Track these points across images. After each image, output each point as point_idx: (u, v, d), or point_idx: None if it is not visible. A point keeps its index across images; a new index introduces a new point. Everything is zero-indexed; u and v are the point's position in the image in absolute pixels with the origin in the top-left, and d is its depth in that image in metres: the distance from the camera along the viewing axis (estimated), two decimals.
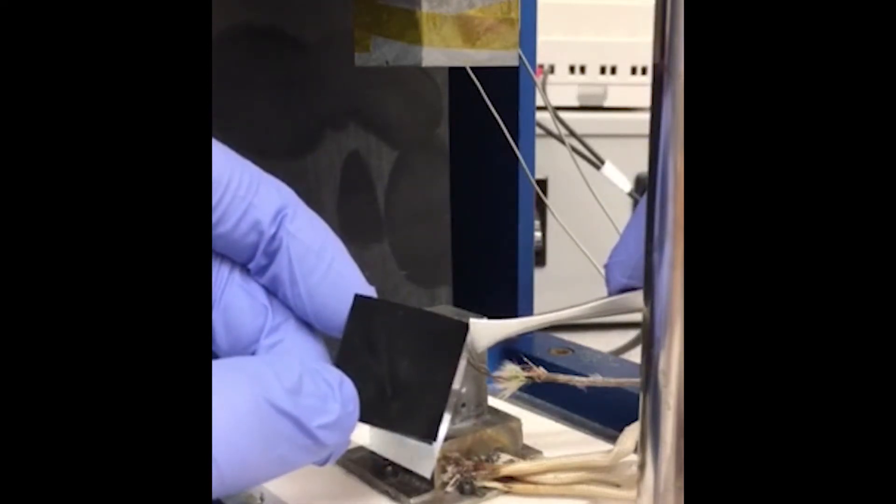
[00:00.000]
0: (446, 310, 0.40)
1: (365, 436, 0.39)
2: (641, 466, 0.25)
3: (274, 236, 0.29)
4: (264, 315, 0.30)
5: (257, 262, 0.30)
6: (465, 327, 0.31)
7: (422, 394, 0.31)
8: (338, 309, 0.30)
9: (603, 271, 0.49)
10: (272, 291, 0.31)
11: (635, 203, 0.69)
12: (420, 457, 0.34)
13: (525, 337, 0.52)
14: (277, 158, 0.48)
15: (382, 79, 0.51)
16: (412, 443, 0.32)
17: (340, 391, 0.28)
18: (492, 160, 0.51)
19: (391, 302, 0.32)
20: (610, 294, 0.35)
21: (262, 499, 0.36)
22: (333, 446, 0.28)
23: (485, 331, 0.32)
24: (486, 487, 0.35)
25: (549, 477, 0.35)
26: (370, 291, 0.31)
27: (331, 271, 0.30)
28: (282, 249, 0.30)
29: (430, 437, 0.31)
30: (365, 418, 0.30)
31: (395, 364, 0.31)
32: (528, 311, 0.53)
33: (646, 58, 0.41)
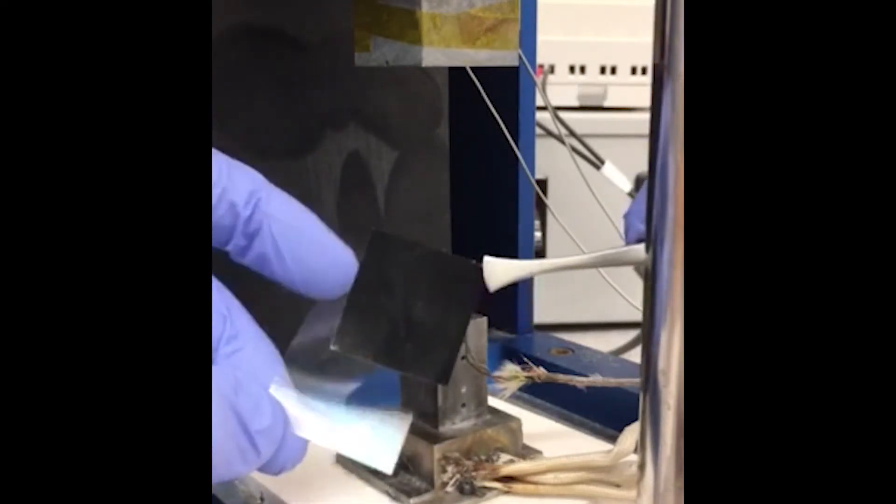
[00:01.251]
0: None
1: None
2: (641, 466, 0.25)
3: (250, 218, 0.31)
4: (222, 324, 0.30)
5: (236, 242, 0.31)
6: (481, 271, 0.31)
7: (435, 336, 0.31)
8: (326, 273, 0.32)
9: (603, 271, 0.49)
10: (258, 270, 0.32)
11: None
12: (380, 452, 0.34)
13: (525, 337, 0.52)
14: (277, 158, 0.48)
15: (382, 79, 0.51)
16: (373, 438, 0.32)
17: (270, 398, 0.28)
18: (492, 160, 0.51)
19: (408, 240, 0.32)
20: (627, 243, 0.35)
21: (262, 499, 0.36)
22: (264, 456, 0.28)
23: (498, 269, 0.32)
24: (486, 487, 0.35)
25: (549, 477, 0.35)
26: (352, 256, 0.32)
27: (314, 241, 0.31)
28: (263, 230, 0.31)
29: (442, 379, 0.31)
30: (377, 359, 0.30)
31: (410, 305, 0.31)
32: (528, 311, 0.53)
33: (646, 58, 0.41)
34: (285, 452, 0.29)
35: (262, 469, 0.29)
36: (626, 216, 0.35)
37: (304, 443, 0.30)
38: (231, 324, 0.30)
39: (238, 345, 0.30)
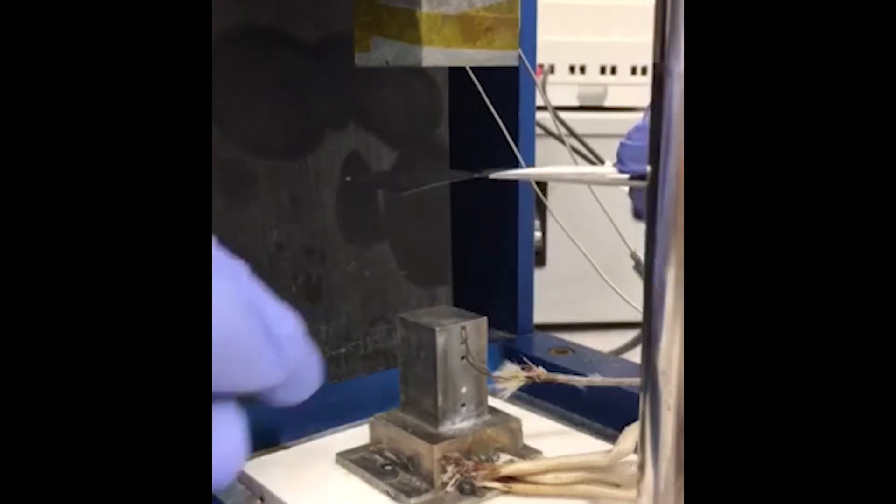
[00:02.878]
0: (446, 310, 0.40)
1: (365, 435, 0.39)
2: (641, 466, 0.25)
3: None
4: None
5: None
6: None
7: None
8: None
9: (602, 272, 0.49)
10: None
11: (635, 207, 0.69)
12: None
13: (525, 337, 0.52)
14: (277, 158, 0.48)
15: (382, 79, 0.52)
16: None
17: (288, 308, 0.27)
18: (492, 160, 0.51)
19: None
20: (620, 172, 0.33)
21: (262, 499, 0.37)
22: (292, 363, 0.27)
23: None
24: (486, 487, 0.35)
25: (549, 477, 0.35)
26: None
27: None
28: None
29: None
30: None
31: None
32: (529, 312, 0.53)
33: (646, 58, 0.41)
34: (307, 371, 0.28)
35: (283, 396, 0.27)
36: (619, 153, 0.33)
37: (320, 367, 0.29)
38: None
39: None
